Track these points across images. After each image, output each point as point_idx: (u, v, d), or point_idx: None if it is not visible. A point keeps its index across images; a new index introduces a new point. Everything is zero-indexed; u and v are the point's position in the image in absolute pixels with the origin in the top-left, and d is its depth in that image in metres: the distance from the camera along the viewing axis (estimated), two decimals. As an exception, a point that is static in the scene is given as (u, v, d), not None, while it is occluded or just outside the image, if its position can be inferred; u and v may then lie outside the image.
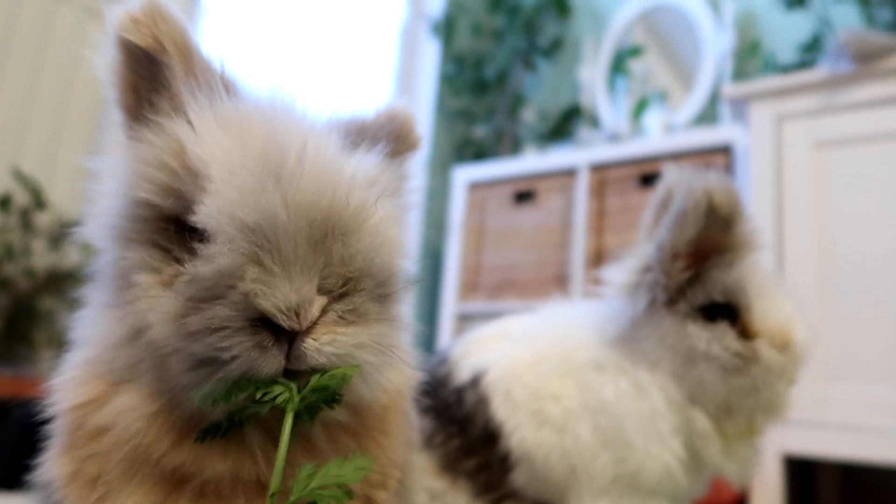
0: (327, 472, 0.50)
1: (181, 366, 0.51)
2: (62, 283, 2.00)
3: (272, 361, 0.51)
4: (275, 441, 0.53)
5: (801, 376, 0.91)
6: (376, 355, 0.55)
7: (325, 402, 0.53)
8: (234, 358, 0.50)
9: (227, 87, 0.60)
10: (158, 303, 0.53)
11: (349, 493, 0.51)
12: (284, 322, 0.50)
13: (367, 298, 0.55)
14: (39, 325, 1.97)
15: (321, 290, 0.53)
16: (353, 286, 0.55)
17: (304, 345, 0.51)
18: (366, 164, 0.60)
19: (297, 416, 0.52)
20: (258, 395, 0.50)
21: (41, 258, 2.01)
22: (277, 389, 0.51)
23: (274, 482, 0.49)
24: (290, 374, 0.52)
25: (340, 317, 0.53)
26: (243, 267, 0.50)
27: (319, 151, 0.55)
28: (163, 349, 0.52)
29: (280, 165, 0.52)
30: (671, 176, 0.96)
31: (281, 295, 0.50)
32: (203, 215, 0.51)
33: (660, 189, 0.98)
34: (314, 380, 0.52)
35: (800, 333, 0.89)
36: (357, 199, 0.55)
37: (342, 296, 0.54)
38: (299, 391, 0.52)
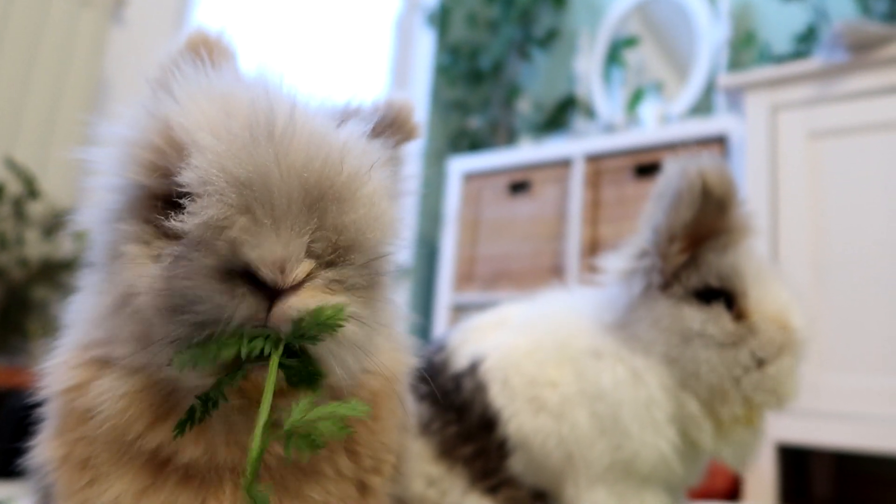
0: (324, 408, 0.48)
1: (160, 320, 0.48)
2: (56, 272, 1.99)
3: (242, 309, 0.47)
4: (251, 426, 0.49)
5: (803, 362, 0.89)
6: (362, 329, 0.53)
7: (308, 338, 0.49)
8: (199, 301, 0.47)
9: (223, 58, 0.60)
10: (146, 270, 0.51)
11: (345, 427, 0.48)
12: (267, 276, 0.47)
13: (356, 273, 0.53)
14: (33, 315, 1.96)
15: (310, 254, 0.50)
16: (342, 256, 0.53)
17: (289, 304, 0.48)
18: (358, 134, 0.57)
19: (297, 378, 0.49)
20: (243, 353, 0.47)
21: (34, 248, 2.00)
22: (259, 343, 0.47)
23: (262, 413, 0.46)
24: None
25: (327, 285, 0.51)
26: (232, 217, 0.47)
27: (309, 118, 0.54)
28: (147, 313, 0.49)
29: (270, 126, 0.50)
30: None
31: (268, 247, 0.47)
32: (191, 172, 0.49)
33: (660, 180, 0.98)
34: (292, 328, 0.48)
35: (797, 320, 0.89)
36: (351, 166, 0.53)
37: (330, 264, 0.52)
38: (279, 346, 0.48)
